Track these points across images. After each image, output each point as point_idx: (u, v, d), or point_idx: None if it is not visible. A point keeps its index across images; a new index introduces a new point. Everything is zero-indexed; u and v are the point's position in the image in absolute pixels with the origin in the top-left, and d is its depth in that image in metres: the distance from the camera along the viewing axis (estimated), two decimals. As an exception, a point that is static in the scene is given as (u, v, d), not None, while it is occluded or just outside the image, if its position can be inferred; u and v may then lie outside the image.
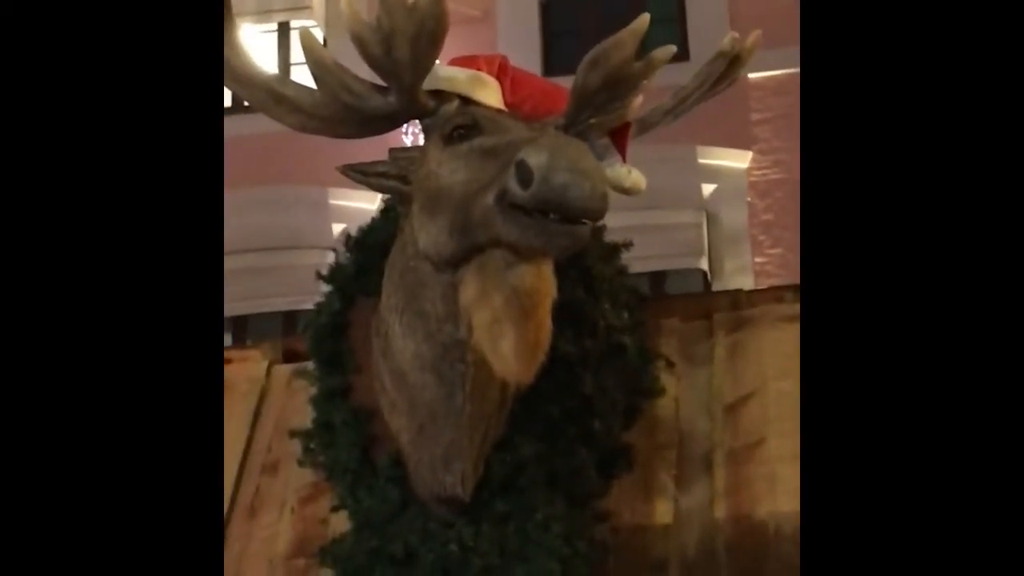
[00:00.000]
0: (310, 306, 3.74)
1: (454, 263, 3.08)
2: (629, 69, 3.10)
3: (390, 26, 2.99)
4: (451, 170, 3.08)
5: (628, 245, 3.76)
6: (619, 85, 3.12)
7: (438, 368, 3.27)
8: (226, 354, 4.35)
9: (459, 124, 3.13)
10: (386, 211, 3.65)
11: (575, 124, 3.16)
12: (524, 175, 2.83)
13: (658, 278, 10.07)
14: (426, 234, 3.13)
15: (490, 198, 2.93)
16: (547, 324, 3.06)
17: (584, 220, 2.87)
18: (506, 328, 3.00)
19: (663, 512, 3.59)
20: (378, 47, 3.01)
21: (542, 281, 3.03)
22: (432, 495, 3.41)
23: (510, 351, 3.02)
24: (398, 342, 3.33)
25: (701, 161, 10.54)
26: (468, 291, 3.06)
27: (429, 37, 3.00)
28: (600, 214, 2.89)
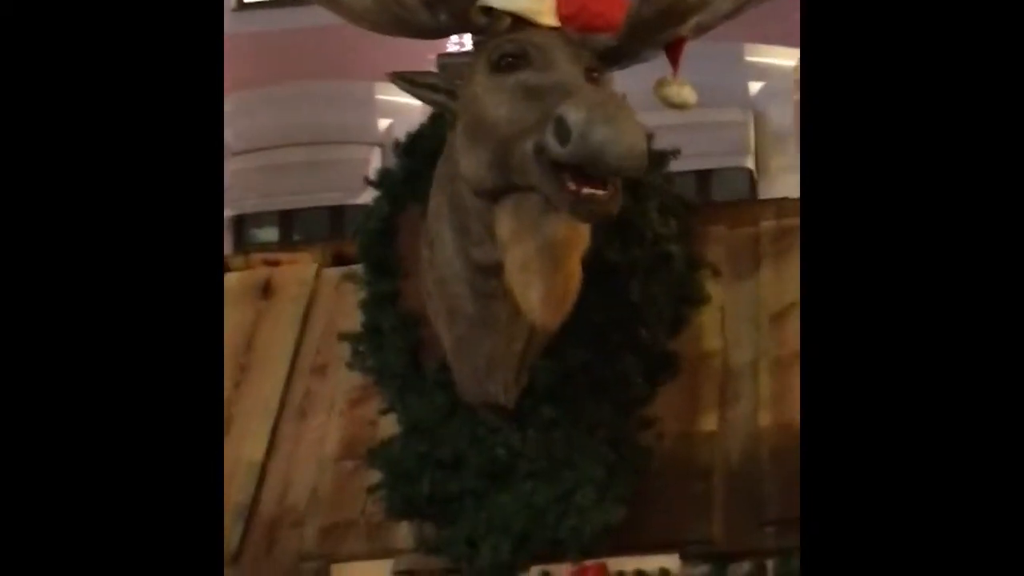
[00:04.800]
0: (356, 202, 3.75)
1: (492, 196, 3.11)
2: (684, 2, 3.08)
3: None
4: (496, 103, 3.08)
5: (675, 153, 3.75)
6: (674, 15, 3.11)
7: (475, 282, 3.30)
8: (275, 256, 4.40)
9: (507, 52, 3.11)
10: (435, 117, 3.65)
11: (628, 46, 3.15)
12: (562, 132, 2.85)
13: (704, 177, 10.03)
14: (467, 161, 3.15)
15: (529, 147, 2.95)
16: (576, 274, 3.10)
17: (620, 175, 2.89)
18: (535, 278, 3.04)
19: (708, 419, 3.61)
20: None
21: (575, 231, 3.06)
22: (478, 401, 3.45)
23: (537, 300, 3.07)
24: (443, 252, 3.35)
25: (748, 59, 10.45)
26: (503, 227, 3.09)
27: None
28: (637, 172, 2.92)
